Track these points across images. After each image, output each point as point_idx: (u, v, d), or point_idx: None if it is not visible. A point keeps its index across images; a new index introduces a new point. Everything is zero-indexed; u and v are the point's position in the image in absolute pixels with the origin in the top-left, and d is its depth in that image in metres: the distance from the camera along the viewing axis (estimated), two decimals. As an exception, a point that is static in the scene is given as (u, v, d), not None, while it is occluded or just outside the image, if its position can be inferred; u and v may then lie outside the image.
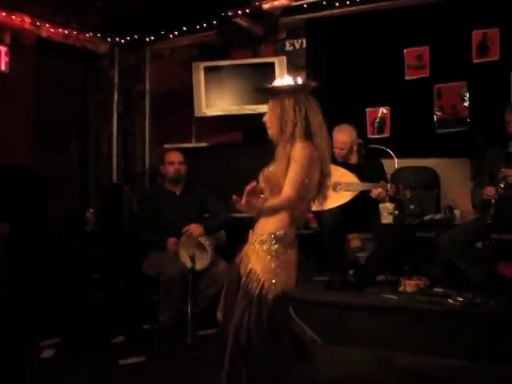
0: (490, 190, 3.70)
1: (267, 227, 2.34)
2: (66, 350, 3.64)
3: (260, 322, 2.26)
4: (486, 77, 4.60)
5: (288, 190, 2.27)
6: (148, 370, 3.35)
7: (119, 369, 3.35)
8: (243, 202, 2.23)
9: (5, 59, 4.73)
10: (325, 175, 2.41)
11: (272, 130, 2.44)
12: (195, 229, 4.04)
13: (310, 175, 2.33)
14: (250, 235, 2.41)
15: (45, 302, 4.14)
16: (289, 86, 2.39)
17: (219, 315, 2.51)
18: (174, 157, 4.35)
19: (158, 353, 3.60)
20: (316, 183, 2.38)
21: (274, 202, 2.34)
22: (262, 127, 2.49)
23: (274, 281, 2.29)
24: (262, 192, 2.40)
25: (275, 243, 2.31)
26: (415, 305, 3.61)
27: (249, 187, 2.27)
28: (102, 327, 4.03)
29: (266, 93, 2.49)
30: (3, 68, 4.72)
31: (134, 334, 3.99)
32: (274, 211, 2.34)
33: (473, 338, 3.32)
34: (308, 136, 2.34)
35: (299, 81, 2.40)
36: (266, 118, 2.47)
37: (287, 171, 2.30)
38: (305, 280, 4.14)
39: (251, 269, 2.31)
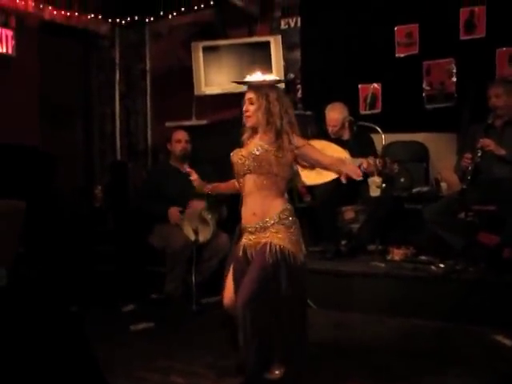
0: (467, 157, 3.88)
1: (272, 209, 2.54)
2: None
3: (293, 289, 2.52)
4: (473, 53, 4.74)
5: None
6: (157, 334, 3.63)
7: (131, 334, 3.65)
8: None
9: (11, 42, 4.79)
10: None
11: (257, 121, 2.56)
12: (198, 204, 4.26)
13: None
14: (251, 227, 2.57)
15: (58, 274, 4.40)
16: (272, 80, 2.54)
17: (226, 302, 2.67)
18: (181, 135, 4.53)
19: (166, 319, 3.88)
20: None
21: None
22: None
23: (298, 248, 2.54)
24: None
25: (288, 217, 2.55)
26: (401, 271, 3.89)
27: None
28: (114, 297, 4.29)
29: (249, 85, 2.60)
30: (10, 51, 4.79)
31: (143, 303, 4.25)
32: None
33: (453, 301, 3.60)
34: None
35: (273, 77, 2.58)
36: (248, 109, 2.58)
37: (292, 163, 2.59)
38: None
39: (280, 245, 2.48)
